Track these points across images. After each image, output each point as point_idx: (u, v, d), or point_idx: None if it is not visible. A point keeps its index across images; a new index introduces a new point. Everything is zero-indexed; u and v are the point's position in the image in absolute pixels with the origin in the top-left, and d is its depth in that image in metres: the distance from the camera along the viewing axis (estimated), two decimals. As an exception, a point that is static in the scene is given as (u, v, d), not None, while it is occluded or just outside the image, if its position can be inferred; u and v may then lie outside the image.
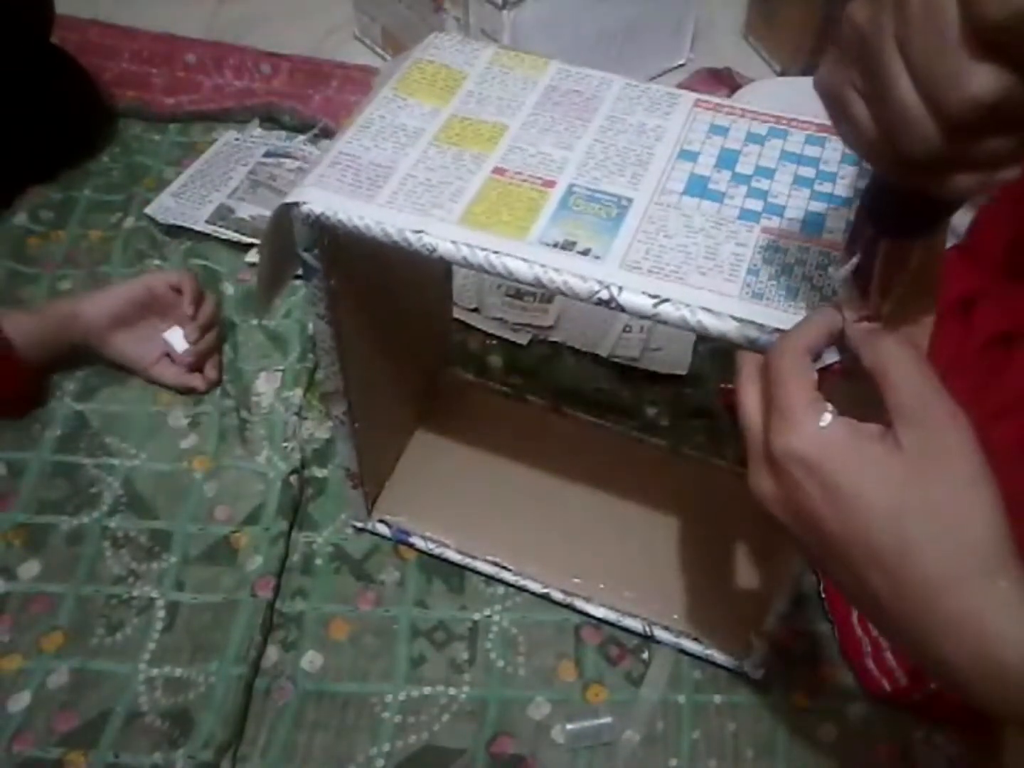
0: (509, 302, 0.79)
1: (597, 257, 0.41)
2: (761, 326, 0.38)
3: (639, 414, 0.72)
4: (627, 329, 0.77)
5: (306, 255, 0.45)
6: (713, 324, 0.38)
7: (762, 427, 0.35)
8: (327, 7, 1.10)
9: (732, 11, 1.09)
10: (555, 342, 0.77)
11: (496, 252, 0.41)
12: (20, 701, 0.57)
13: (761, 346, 0.38)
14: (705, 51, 1.05)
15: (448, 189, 0.44)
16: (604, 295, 0.40)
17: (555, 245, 0.41)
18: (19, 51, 0.82)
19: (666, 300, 0.39)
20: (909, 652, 0.34)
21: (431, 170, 0.45)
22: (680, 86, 0.50)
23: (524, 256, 0.41)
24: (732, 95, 0.83)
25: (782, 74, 1.02)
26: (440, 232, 0.42)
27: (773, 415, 0.34)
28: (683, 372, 0.74)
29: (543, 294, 0.79)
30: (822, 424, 0.32)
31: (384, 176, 0.44)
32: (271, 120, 0.96)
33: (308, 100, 0.98)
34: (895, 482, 0.31)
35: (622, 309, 0.40)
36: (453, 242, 0.41)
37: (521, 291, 0.80)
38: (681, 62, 1.04)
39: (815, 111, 0.47)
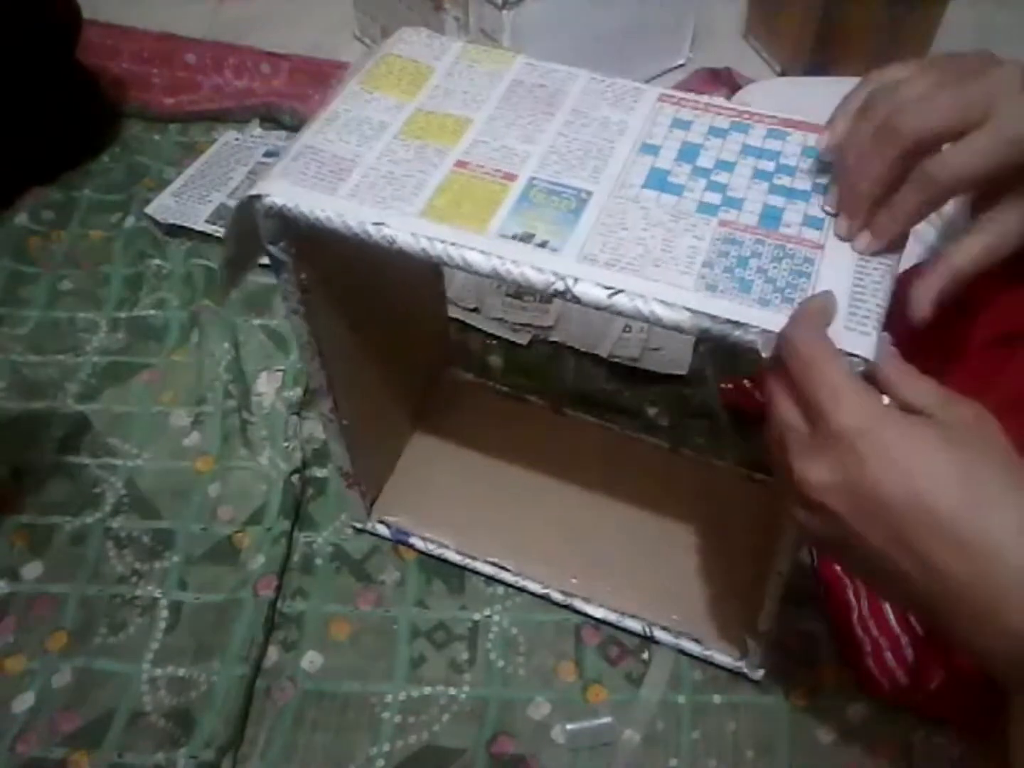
0: (509, 302, 0.79)
1: (555, 249, 0.41)
2: (714, 317, 0.38)
3: (639, 414, 0.72)
4: (627, 329, 0.77)
5: (272, 248, 0.45)
6: (667, 315, 0.39)
7: (803, 418, 0.35)
8: (327, 7, 1.10)
9: (732, 11, 1.09)
10: (555, 342, 0.77)
11: (454, 244, 0.41)
12: (24, 702, 0.57)
13: (713, 336, 0.38)
14: (705, 51, 1.05)
15: (410, 182, 0.44)
16: (560, 286, 0.40)
17: (514, 237, 0.41)
18: (46, 66, 0.83)
19: (620, 291, 0.39)
20: (966, 626, 0.33)
21: (394, 163, 0.45)
22: (680, 86, 0.50)
23: (482, 248, 0.41)
24: (732, 95, 0.83)
25: (782, 74, 1.02)
26: (400, 225, 0.42)
27: (822, 398, 0.34)
28: (683, 372, 0.74)
29: (543, 294, 0.79)
30: (884, 402, 0.35)
31: (347, 169, 0.44)
32: (271, 120, 0.96)
33: (308, 100, 0.98)
34: (955, 446, 0.33)
35: (577, 301, 0.40)
36: (413, 234, 0.41)
37: (521, 291, 0.80)
38: (681, 62, 1.04)
39: (816, 110, 0.47)
